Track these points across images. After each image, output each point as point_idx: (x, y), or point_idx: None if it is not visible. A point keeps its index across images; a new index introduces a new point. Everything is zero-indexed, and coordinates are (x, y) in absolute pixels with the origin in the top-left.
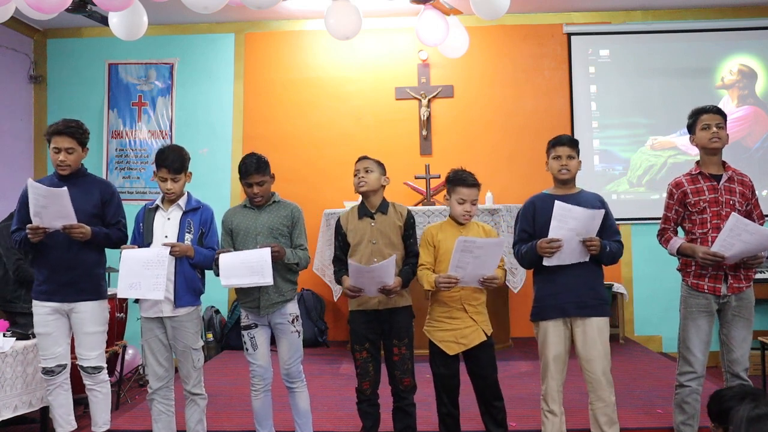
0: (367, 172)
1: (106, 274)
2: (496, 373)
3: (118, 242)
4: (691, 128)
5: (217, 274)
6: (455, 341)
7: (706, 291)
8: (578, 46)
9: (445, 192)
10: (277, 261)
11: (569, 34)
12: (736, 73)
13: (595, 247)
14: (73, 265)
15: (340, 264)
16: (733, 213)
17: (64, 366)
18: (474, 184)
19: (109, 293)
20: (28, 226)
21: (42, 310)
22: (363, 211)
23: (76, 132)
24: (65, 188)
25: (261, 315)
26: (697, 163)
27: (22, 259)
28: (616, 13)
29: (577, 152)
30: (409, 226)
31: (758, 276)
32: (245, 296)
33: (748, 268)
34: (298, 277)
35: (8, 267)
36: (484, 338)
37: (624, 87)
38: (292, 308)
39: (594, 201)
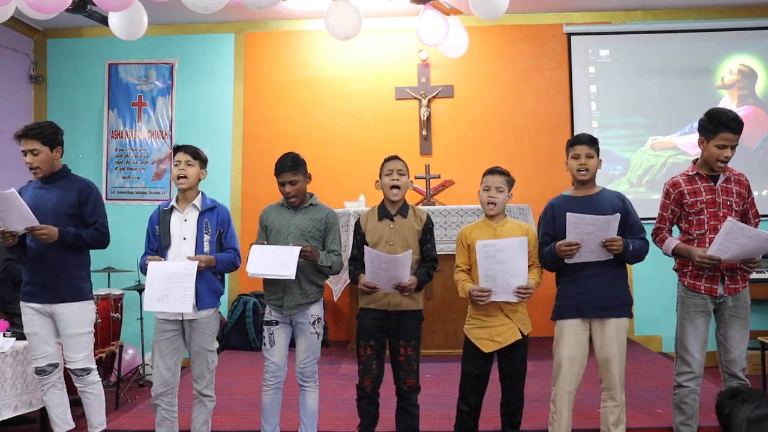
0: (400, 174)
1: (107, 274)
2: (525, 374)
3: (93, 243)
4: (706, 132)
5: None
6: (490, 339)
7: (703, 291)
8: (578, 46)
9: (479, 191)
10: (308, 261)
11: (569, 34)
12: (736, 73)
13: (616, 248)
14: (52, 267)
15: (356, 263)
16: (729, 218)
17: (55, 365)
18: (498, 171)
19: (102, 293)
20: None
21: (27, 311)
22: (383, 213)
23: (40, 133)
24: (12, 190)
25: (284, 314)
26: (694, 162)
27: (12, 260)
28: (616, 13)
29: (597, 151)
30: (427, 230)
31: (758, 276)
32: (271, 293)
33: (745, 271)
34: (325, 280)
35: None
36: (519, 337)
37: (624, 87)
38: (316, 310)
39: (614, 200)
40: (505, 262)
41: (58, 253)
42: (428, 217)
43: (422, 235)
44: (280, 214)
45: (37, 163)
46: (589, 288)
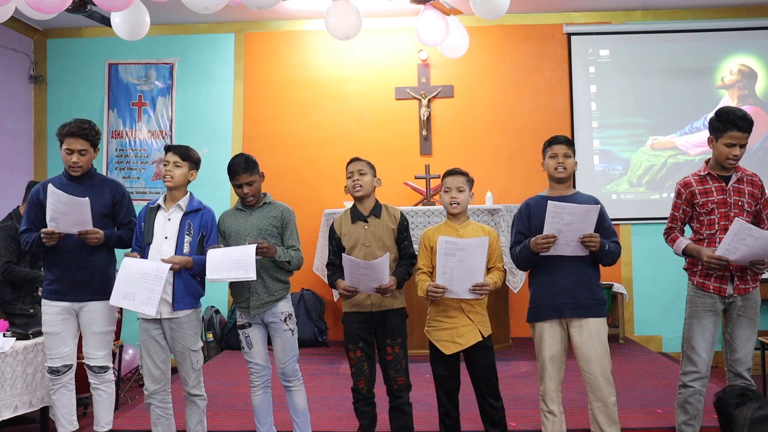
0: (361, 174)
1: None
2: (494, 374)
3: (129, 242)
4: (715, 131)
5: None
6: (452, 341)
7: (712, 291)
8: (578, 46)
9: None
10: (266, 258)
11: (569, 34)
12: (736, 73)
13: (594, 244)
14: (84, 266)
15: (333, 268)
16: (737, 218)
17: (69, 366)
18: (458, 172)
19: None
20: (44, 230)
21: (51, 310)
22: (356, 215)
23: (90, 134)
24: (87, 199)
25: (252, 315)
26: (706, 162)
27: (11, 261)
28: (616, 13)
29: (573, 153)
30: (402, 228)
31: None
32: (238, 296)
33: (754, 273)
34: (290, 276)
35: None
36: (480, 338)
37: (624, 87)
38: (284, 307)
39: (589, 202)
40: (465, 261)
41: (91, 251)
42: (402, 215)
43: (398, 234)
44: (235, 218)
45: (82, 162)
46: (565, 287)
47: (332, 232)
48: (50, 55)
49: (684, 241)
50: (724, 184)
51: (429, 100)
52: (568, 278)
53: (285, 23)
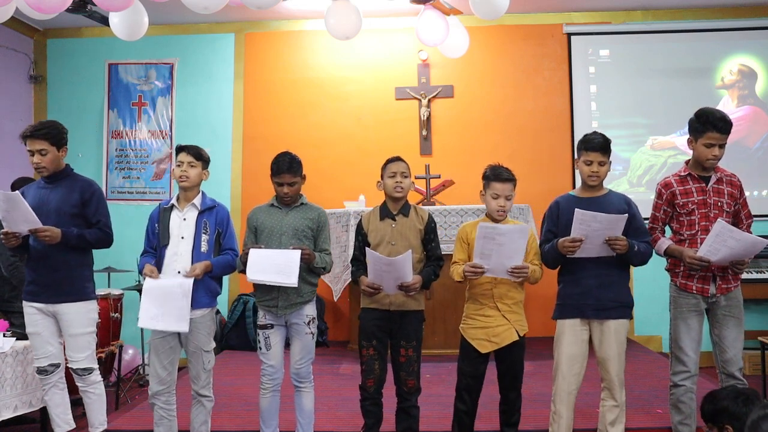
0: (404, 177)
1: (107, 274)
2: (522, 374)
3: (97, 243)
4: (694, 132)
5: (243, 270)
6: (487, 339)
7: (695, 291)
8: (578, 46)
9: (481, 190)
10: (305, 263)
11: (569, 34)
12: (736, 73)
13: (620, 247)
14: (56, 267)
15: (358, 264)
16: (719, 219)
17: (57, 365)
18: (508, 179)
19: (101, 293)
20: (1, 231)
21: (30, 310)
22: (384, 212)
23: (48, 133)
24: (17, 192)
25: (278, 315)
26: (687, 162)
27: (16, 258)
28: (616, 13)
29: (609, 155)
30: (430, 230)
31: (759, 276)
32: (264, 295)
33: (734, 272)
34: (318, 279)
35: (2, 267)
36: (516, 338)
37: (624, 87)
38: (310, 310)
39: (620, 203)
40: (504, 245)
41: (62, 252)
42: (430, 216)
43: (425, 235)
44: (270, 215)
45: (44, 163)
46: (590, 288)
47: (359, 227)
48: (50, 55)
49: (666, 242)
50: (704, 184)
51: (429, 100)
52: (593, 279)
53: (285, 23)
